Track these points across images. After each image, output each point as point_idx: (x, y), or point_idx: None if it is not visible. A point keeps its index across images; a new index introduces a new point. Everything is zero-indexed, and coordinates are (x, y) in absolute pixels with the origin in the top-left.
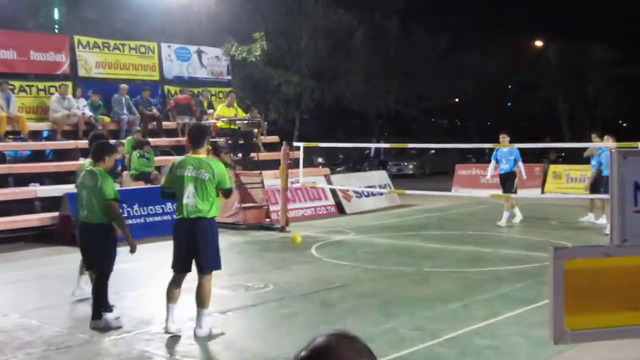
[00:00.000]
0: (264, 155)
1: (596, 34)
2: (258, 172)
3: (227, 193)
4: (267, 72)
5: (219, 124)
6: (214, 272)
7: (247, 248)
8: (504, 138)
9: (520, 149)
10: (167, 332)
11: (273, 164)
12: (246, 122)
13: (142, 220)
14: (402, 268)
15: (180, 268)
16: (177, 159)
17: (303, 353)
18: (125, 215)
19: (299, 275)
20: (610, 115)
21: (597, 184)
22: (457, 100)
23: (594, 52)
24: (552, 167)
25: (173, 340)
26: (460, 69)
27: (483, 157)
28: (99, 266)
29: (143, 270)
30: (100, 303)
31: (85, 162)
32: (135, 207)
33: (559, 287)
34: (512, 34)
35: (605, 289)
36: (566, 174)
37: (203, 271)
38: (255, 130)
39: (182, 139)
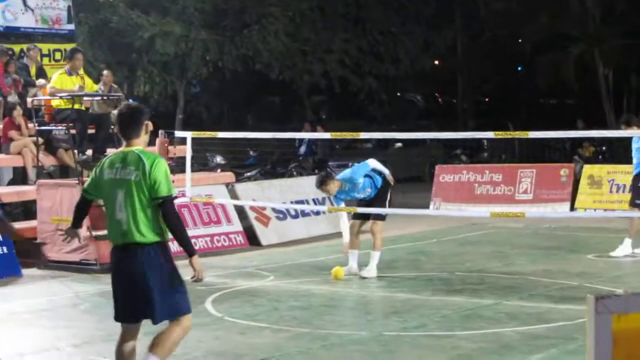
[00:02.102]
0: None
1: None
2: None
3: (164, 207)
4: (133, 19)
5: (56, 102)
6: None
7: (103, 302)
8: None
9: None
10: None
11: None
12: (100, 99)
13: None
14: (352, 332)
15: (122, 316)
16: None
17: None
18: None
19: (186, 347)
20: None
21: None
22: (437, 63)
23: None
24: (588, 169)
25: None
26: (444, 14)
27: (479, 154)
28: None
29: None
30: None
31: None
32: None
33: (604, 357)
34: None
35: None
36: (610, 180)
37: (168, 318)
38: (114, 112)
39: None
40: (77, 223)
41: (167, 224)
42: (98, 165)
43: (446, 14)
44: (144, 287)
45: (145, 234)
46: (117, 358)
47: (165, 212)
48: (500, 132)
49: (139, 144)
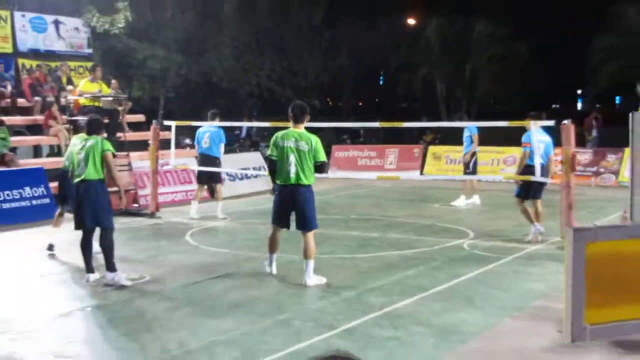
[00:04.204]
0: (130, 136)
1: (480, 9)
2: (125, 153)
3: (321, 166)
4: (131, 45)
5: (82, 101)
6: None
7: (115, 236)
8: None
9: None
10: (271, 273)
11: (138, 145)
12: (112, 99)
13: None
14: (286, 255)
15: (278, 223)
16: (280, 132)
17: None
18: None
19: (176, 265)
20: (485, 96)
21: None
22: (326, 80)
23: (477, 28)
24: (432, 149)
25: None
26: (337, 45)
27: (358, 139)
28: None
29: None
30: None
31: None
32: None
33: (579, 275)
34: (394, 9)
35: (631, 277)
36: (446, 156)
37: (305, 230)
38: (120, 108)
39: (39, 118)
40: (274, 179)
41: (318, 172)
42: (274, 140)
43: (337, 47)
44: (300, 209)
45: (306, 180)
46: (271, 245)
47: (320, 168)
48: (384, 122)
49: (302, 127)
